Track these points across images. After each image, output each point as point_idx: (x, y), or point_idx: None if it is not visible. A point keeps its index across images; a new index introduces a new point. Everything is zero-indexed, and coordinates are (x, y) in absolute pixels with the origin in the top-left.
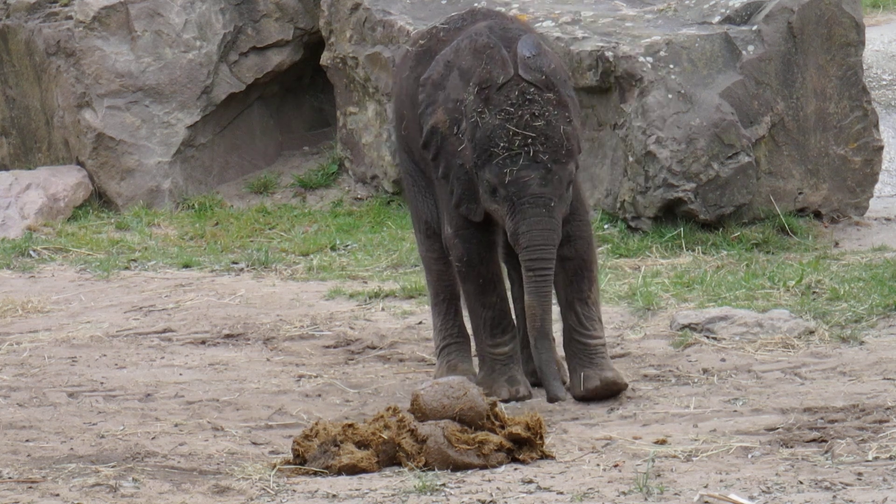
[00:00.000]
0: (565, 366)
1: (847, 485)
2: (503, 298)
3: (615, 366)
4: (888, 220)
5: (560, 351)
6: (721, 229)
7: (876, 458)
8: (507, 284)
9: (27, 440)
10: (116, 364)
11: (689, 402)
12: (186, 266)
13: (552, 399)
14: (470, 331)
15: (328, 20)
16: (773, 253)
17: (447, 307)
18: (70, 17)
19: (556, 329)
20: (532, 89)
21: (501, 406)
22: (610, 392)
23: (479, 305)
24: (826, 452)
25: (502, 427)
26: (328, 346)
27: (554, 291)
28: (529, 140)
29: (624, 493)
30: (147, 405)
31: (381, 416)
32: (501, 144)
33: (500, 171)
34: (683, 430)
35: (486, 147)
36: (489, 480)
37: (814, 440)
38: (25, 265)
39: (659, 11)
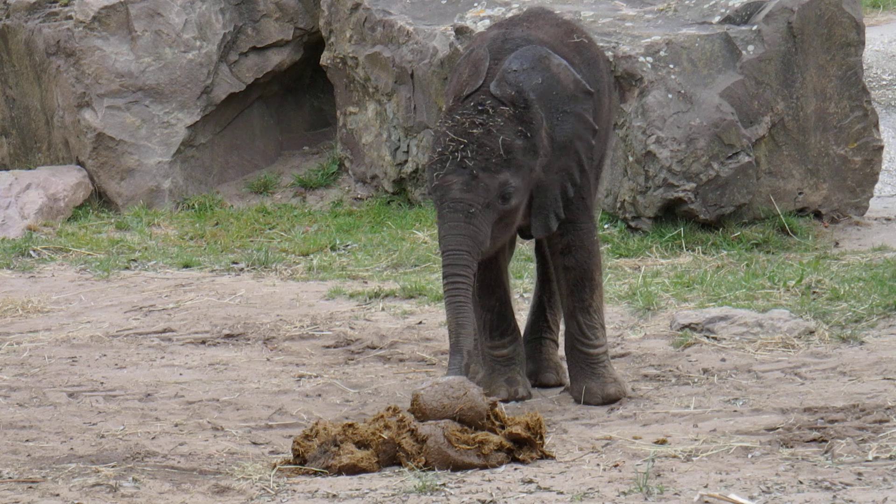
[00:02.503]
0: (565, 366)
1: (847, 485)
2: (504, 302)
3: (617, 369)
4: (888, 220)
5: (560, 351)
6: (721, 229)
7: (876, 458)
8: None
9: (27, 440)
10: (116, 364)
11: (689, 402)
12: (186, 266)
13: None
14: None
15: (328, 20)
16: (773, 253)
17: None
18: (70, 17)
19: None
20: (489, 101)
21: (501, 406)
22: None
23: (480, 307)
24: (826, 452)
25: (502, 427)
26: (328, 346)
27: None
28: (461, 146)
29: (624, 493)
30: (147, 405)
31: (381, 416)
32: (437, 150)
33: (431, 176)
34: (683, 430)
35: (429, 154)
36: (489, 480)
37: (814, 440)
38: (25, 265)
39: (659, 11)
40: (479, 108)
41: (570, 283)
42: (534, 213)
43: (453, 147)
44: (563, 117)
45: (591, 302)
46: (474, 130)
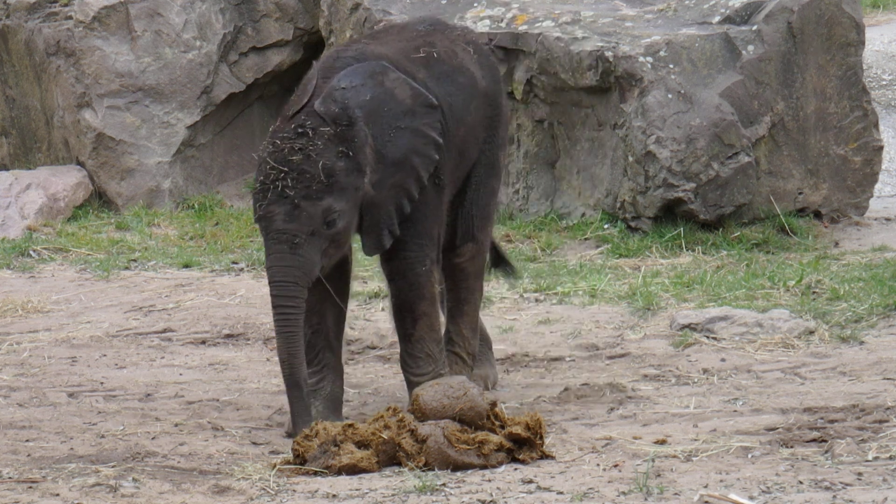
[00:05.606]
0: (484, 373)
1: (847, 485)
2: (316, 331)
3: (617, 369)
4: (888, 220)
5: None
6: (721, 229)
7: (876, 458)
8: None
9: (27, 440)
10: (116, 364)
11: (689, 402)
12: (186, 266)
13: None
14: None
15: (328, 20)
16: (773, 253)
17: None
18: (70, 17)
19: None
20: (310, 122)
21: (501, 406)
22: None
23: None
24: (826, 452)
25: (502, 427)
26: None
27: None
28: (282, 175)
29: (624, 493)
30: (147, 405)
31: (381, 416)
32: (260, 178)
33: (255, 206)
34: (683, 430)
35: (253, 182)
36: (489, 480)
37: (814, 440)
38: (25, 265)
39: (659, 11)
40: (300, 130)
41: (394, 311)
42: (364, 231)
43: (274, 175)
44: (398, 133)
45: (413, 331)
46: (294, 157)
